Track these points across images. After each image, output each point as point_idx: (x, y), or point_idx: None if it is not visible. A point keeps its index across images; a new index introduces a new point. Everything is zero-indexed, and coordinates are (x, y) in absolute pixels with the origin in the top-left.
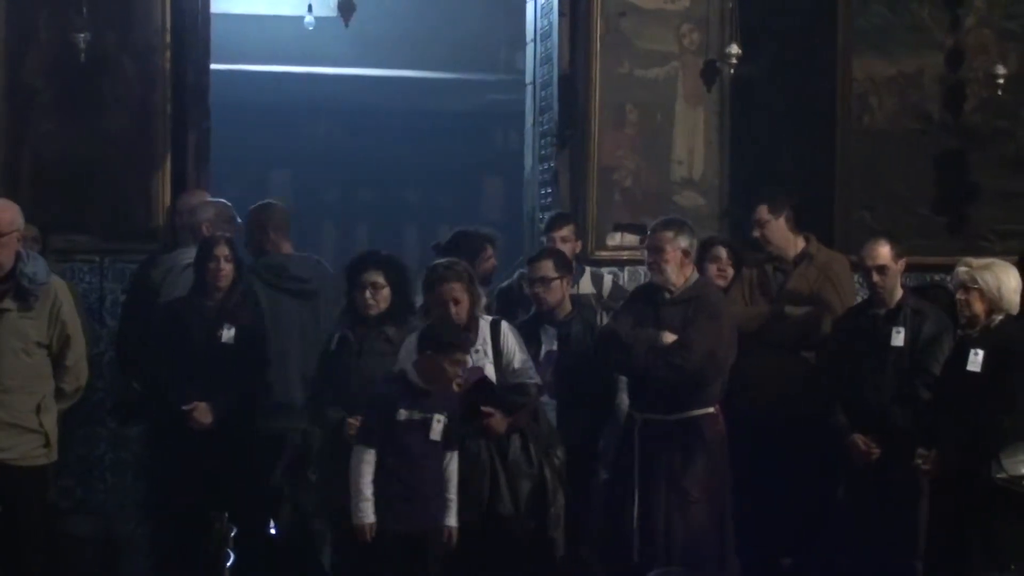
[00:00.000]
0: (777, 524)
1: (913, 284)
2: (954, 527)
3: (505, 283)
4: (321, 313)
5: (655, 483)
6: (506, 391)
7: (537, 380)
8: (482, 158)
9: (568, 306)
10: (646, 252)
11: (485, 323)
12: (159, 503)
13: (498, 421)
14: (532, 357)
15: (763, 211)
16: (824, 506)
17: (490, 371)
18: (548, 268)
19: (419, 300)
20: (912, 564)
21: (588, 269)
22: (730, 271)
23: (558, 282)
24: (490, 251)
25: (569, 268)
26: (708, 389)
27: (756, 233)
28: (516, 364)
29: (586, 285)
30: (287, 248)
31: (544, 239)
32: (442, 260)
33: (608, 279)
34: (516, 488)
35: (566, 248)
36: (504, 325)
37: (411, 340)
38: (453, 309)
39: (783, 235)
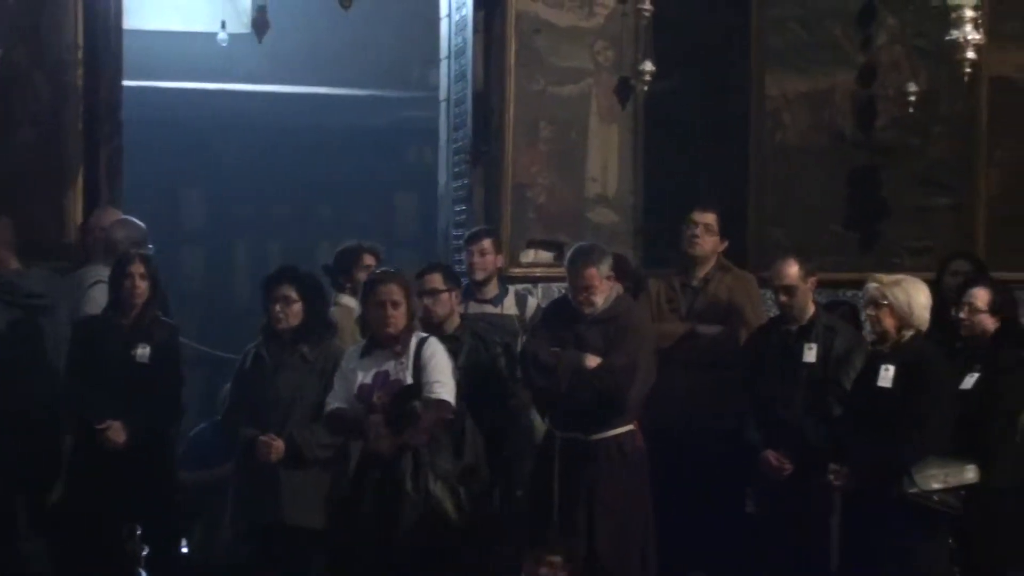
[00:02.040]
0: (688, 538)
1: (825, 300)
2: (866, 542)
3: None
4: (61, 326)
5: (575, 501)
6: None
7: (442, 397)
8: (396, 175)
9: (457, 319)
10: (572, 289)
11: (416, 339)
12: (68, 521)
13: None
14: None
15: (714, 219)
16: (736, 521)
17: None
18: (437, 280)
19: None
20: None
21: (512, 289)
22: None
23: (447, 295)
24: (367, 260)
25: (458, 281)
26: (629, 408)
27: (697, 232)
28: (430, 378)
29: (510, 306)
30: (14, 263)
31: (464, 253)
32: (382, 268)
33: (532, 302)
34: (397, 513)
35: (486, 261)
36: (432, 341)
37: None
38: (391, 312)
39: (714, 249)
